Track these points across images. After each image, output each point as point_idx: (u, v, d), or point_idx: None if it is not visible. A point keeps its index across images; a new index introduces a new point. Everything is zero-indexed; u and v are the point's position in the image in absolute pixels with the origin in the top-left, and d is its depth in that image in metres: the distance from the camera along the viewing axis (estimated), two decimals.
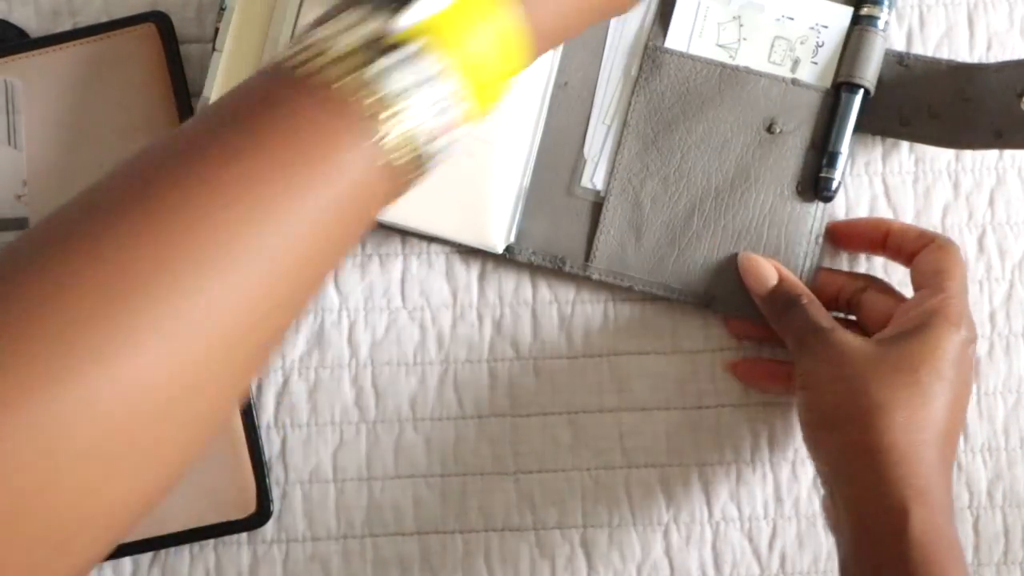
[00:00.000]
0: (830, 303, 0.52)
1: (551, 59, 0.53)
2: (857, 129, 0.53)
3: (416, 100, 0.31)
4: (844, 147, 0.52)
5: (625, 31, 0.54)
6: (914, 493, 0.43)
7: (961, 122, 0.52)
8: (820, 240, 0.53)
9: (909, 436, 0.44)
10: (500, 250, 0.53)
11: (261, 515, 0.52)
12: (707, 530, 0.54)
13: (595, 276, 0.54)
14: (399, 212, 0.49)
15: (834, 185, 0.52)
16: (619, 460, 0.54)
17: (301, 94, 0.31)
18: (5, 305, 0.27)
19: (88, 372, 0.27)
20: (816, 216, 0.53)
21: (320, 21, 0.33)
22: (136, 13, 0.54)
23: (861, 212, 0.55)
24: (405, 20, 0.31)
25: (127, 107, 0.53)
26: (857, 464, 0.45)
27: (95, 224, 0.29)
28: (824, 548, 0.54)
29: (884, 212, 0.55)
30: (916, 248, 0.50)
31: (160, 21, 0.53)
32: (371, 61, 0.31)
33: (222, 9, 0.52)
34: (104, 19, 0.54)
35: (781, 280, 0.51)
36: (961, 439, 0.54)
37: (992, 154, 0.55)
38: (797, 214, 0.53)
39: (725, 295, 0.53)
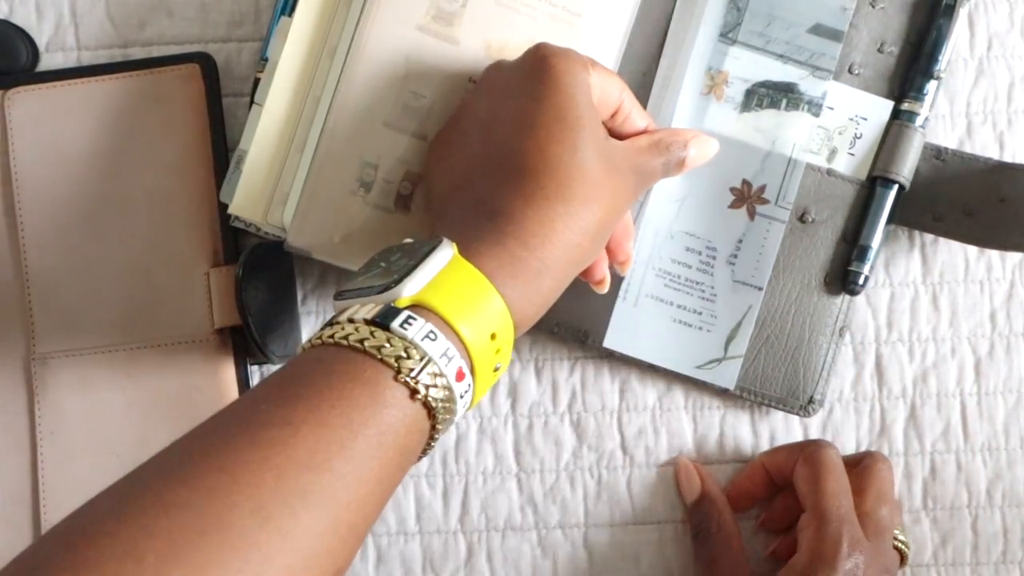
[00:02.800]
0: (772, 484, 0.53)
1: None
2: (888, 221, 0.52)
3: (428, 348, 0.36)
4: (875, 241, 0.52)
5: (663, 108, 0.53)
6: None
7: (996, 222, 0.51)
8: (843, 333, 0.53)
9: None
10: (732, 389, 0.53)
11: None
12: None
13: (616, 352, 0.53)
14: (634, 346, 0.52)
15: (862, 279, 0.52)
16: (621, 459, 0.55)
17: (340, 358, 0.36)
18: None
19: None
20: (841, 309, 0.53)
21: (344, 291, 0.40)
22: (183, 52, 0.54)
23: (882, 309, 0.55)
24: (405, 290, 0.37)
25: (164, 143, 0.53)
26: None
27: (175, 491, 0.32)
28: None
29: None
30: (791, 466, 0.51)
31: (204, 62, 0.53)
32: (385, 324, 0.36)
33: (263, 59, 0.52)
34: (107, 24, 0.54)
35: (701, 498, 0.52)
36: (961, 439, 0.54)
37: (995, 148, 0.55)
38: (823, 306, 0.53)
39: (744, 381, 0.53)
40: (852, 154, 0.52)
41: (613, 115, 0.46)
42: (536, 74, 0.42)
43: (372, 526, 0.37)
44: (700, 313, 0.52)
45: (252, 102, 0.51)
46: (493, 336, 0.39)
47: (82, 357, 0.52)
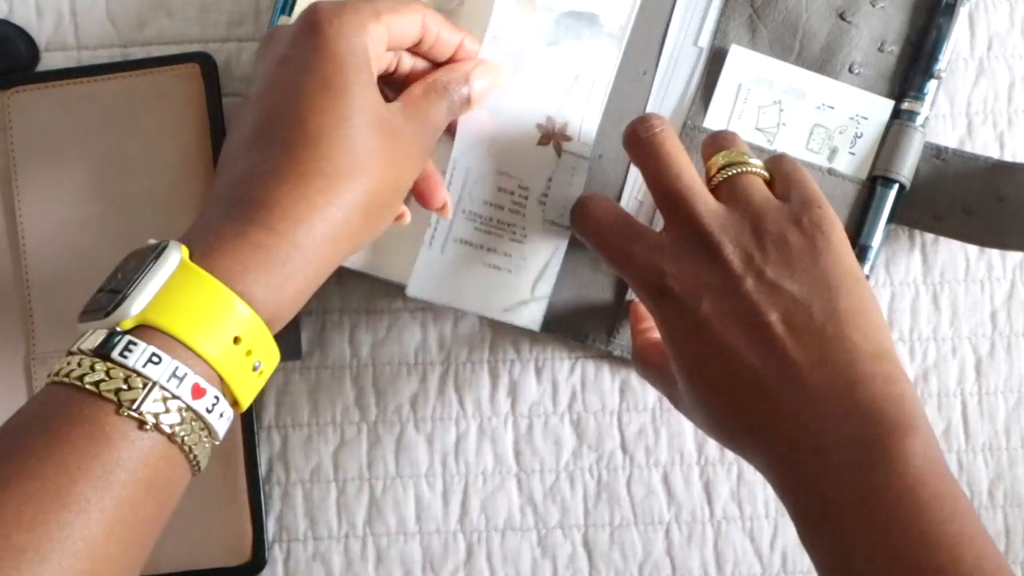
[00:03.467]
0: None
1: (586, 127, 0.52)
2: (889, 220, 0.52)
3: (151, 373, 0.35)
4: (876, 241, 0.52)
5: (664, 108, 0.53)
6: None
7: (996, 222, 0.51)
8: None
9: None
10: (538, 330, 0.52)
11: (255, 565, 0.52)
12: (708, 529, 0.54)
13: (616, 352, 0.53)
14: (439, 292, 0.51)
15: None
16: (621, 459, 0.54)
17: (61, 398, 0.35)
18: None
19: None
20: None
21: (82, 311, 0.38)
22: (183, 52, 0.54)
23: (883, 308, 0.54)
24: (133, 308, 0.35)
25: (164, 143, 0.53)
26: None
27: None
28: None
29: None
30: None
31: (204, 62, 0.53)
32: (104, 351, 0.35)
33: None
34: (107, 23, 0.54)
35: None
36: (962, 439, 0.54)
37: (995, 148, 0.55)
38: None
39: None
40: (853, 153, 0.52)
41: (417, 45, 0.45)
42: (305, 40, 0.40)
43: (145, 559, 0.36)
44: (510, 256, 0.51)
45: None
46: (237, 340, 0.37)
47: None
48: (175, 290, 0.36)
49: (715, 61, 0.53)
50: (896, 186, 0.52)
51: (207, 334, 0.36)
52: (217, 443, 0.37)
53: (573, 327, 0.53)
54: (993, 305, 0.55)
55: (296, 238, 0.38)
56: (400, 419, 0.54)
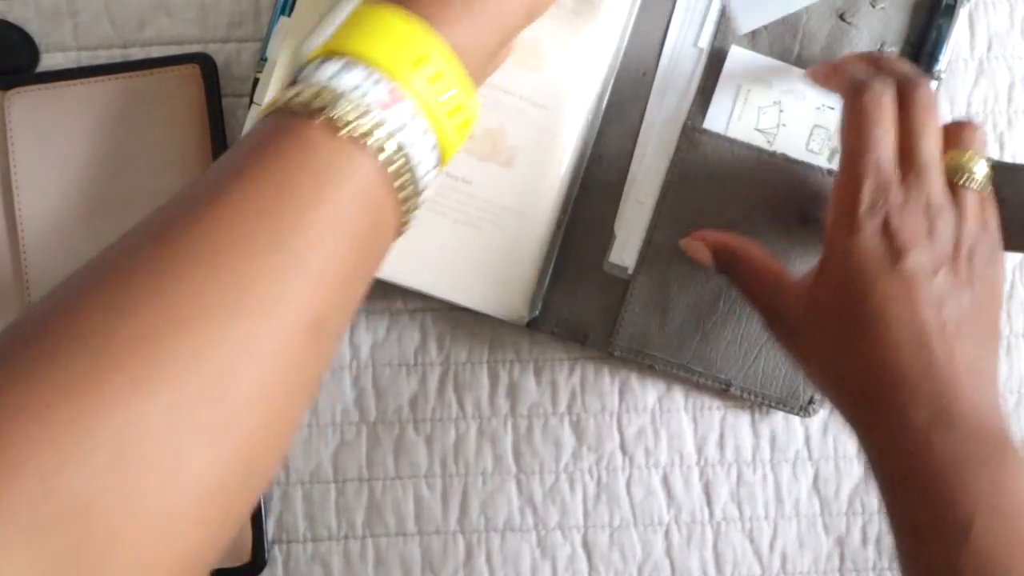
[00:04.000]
0: None
1: (584, 133, 0.52)
2: None
3: (362, 98, 0.33)
4: None
5: (664, 108, 0.53)
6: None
7: None
8: None
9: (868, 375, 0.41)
10: (525, 323, 0.52)
11: (255, 566, 0.52)
12: (708, 530, 0.54)
13: (616, 353, 0.53)
14: (427, 280, 0.50)
15: None
16: (620, 460, 0.54)
17: (275, 119, 0.34)
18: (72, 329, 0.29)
19: (170, 382, 0.28)
20: None
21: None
22: (183, 53, 0.54)
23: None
24: (317, 39, 0.35)
25: (164, 144, 0.53)
26: (868, 417, 0.42)
27: (152, 255, 0.31)
28: (824, 548, 0.54)
29: None
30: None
31: (204, 62, 0.53)
32: (300, 75, 0.34)
33: (263, 60, 0.52)
34: (107, 24, 0.54)
35: (714, 255, 0.49)
36: None
37: (995, 148, 0.55)
38: None
39: (745, 382, 0.53)
40: None
41: None
42: None
43: (349, 318, 0.35)
44: (507, 250, 0.52)
45: (252, 102, 0.51)
46: (417, 61, 0.35)
47: None
48: (354, 21, 0.36)
49: (715, 62, 0.53)
50: None
51: (397, 57, 0.35)
52: (419, 204, 0.36)
53: (573, 328, 0.53)
54: None
55: None
56: (400, 420, 0.54)
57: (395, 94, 0.34)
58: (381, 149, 0.34)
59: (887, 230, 0.41)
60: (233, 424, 0.30)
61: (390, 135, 0.34)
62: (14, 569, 0.25)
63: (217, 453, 0.29)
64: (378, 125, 0.34)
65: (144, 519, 0.28)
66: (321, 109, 0.33)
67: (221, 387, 0.29)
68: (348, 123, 0.33)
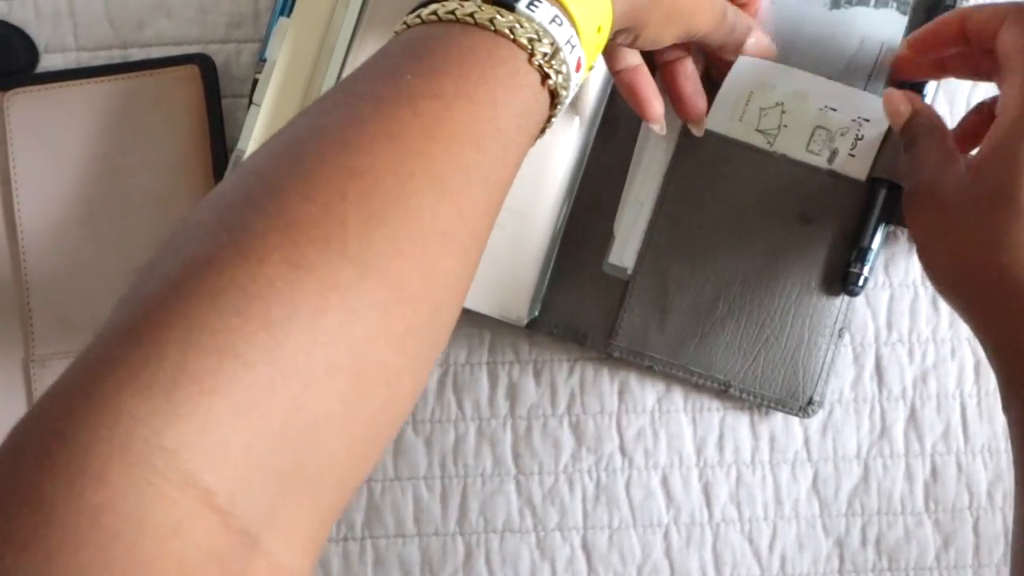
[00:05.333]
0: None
1: (584, 134, 0.52)
2: (888, 222, 0.52)
3: (555, 33, 0.35)
4: (875, 243, 0.52)
5: (665, 108, 0.52)
6: None
7: None
8: (842, 334, 0.53)
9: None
10: (525, 323, 0.52)
11: None
12: (707, 531, 0.54)
13: (616, 354, 0.53)
14: None
15: (861, 280, 0.52)
16: (620, 462, 0.54)
17: (468, 34, 0.34)
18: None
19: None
20: (840, 310, 0.53)
21: None
22: (182, 54, 0.54)
23: (881, 309, 0.55)
24: None
25: (163, 145, 0.53)
26: (996, 315, 0.41)
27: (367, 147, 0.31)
28: (824, 549, 0.54)
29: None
30: (993, 30, 0.43)
31: (203, 63, 0.53)
32: (511, 4, 0.35)
33: (262, 60, 0.52)
34: (107, 24, 0.54)
35: (914, 115, 0.47)
36: (961, 440, 0.54)
37: None
38: (822, 306, 0.53)
39: (744, 383, 0.53)
40: (853, 155, 0.52)
41: None
42: None
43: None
44: (506, 252, 0.53)
45: (251, 103, 0.51)
46: (599, 29, 0.37)
47: None
48: None
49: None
50: (896, 188, 0.52)
51: (585, 12, 0.36)
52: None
53: (572, 329, 0.53)
54: None
55: None
56: None
57: (583, 60, 0.37)
58: (556, 88, 0.36)
59: None
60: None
61: (565, 90, 0.36)
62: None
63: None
64: (564, 87, 0.36)
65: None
66: (540, 52, 0.35)
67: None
68: (554, 71, 0.35)
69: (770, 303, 0.53)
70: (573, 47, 0.36)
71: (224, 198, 0.30)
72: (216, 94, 0.53)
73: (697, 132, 0.48)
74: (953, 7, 0.52)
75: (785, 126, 0.52)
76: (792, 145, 0.52)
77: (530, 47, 0.34)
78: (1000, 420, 0.54)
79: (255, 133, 0.50)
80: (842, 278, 0.52)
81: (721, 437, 0.54)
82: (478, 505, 0.54)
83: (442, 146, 0.32)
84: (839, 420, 0.54)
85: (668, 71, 0.47)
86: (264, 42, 0.52)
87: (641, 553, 0.54)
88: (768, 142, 0.52)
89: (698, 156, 0.52)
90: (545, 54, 0.35)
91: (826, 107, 0.52)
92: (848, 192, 0.52)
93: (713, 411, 0.54)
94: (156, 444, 0.25)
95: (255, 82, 0.52)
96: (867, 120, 0.52)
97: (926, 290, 0.54)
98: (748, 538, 0.54)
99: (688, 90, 0.48)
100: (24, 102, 0.53)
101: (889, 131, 0.52)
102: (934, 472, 0.54)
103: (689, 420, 0.54)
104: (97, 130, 0.53)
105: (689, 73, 0.48)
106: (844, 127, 0.52)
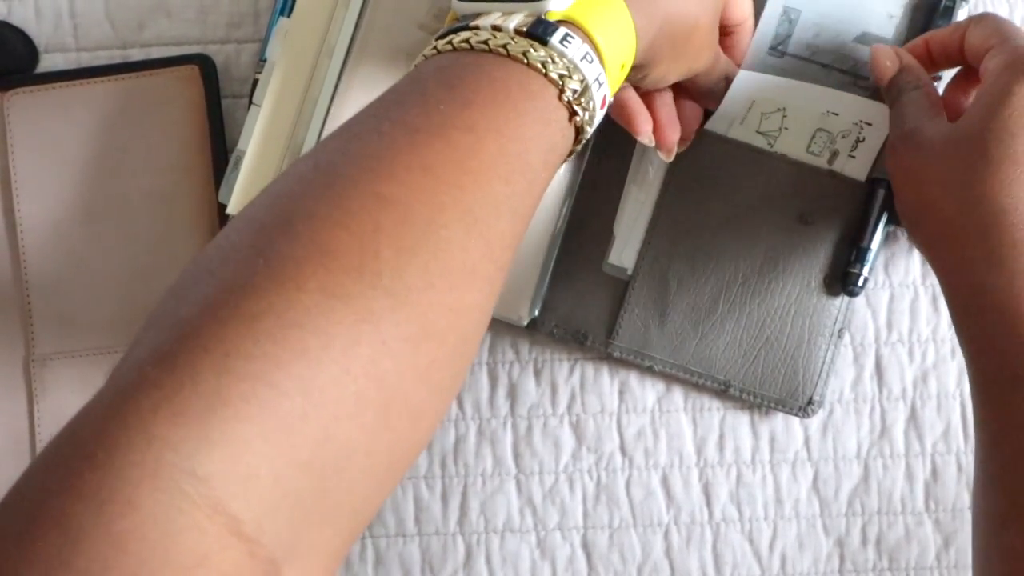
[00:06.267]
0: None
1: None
2: (888, 222, 0.52)
3: (585, 71, 0.35)
4: (874, 243, 0.52)
5: None
6: None
7: None
8: (841, 334, 0.53)
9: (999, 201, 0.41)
10: (525, 323, 0.52)
11: None
12: (707, 531, 0.54)
13: (616, 354, 0.53)
14: None
15: (861, 280, 0.52)
16: (620, 461, 0.54)
17: (499, 66, 0.34)
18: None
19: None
20: (840, 310, 0.53)
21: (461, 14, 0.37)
22: (182, 54, 0.54)
23: (881, 309, 0.55)
24: (558, 4, 0.35)
25: (163, 145, 0.53)
26: (952, 250, 0.42)
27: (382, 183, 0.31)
28: (824, 549, 0.54)
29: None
30: (956, 40, 0.47)
31: (203, 63, 0.53)
32: (544, 38, 0.34)
33: (262, 60, 0.52)
34: (107, 25, 0.54)
35: (900, 70, 0.48)
36: (961, 440, 0.54)
37: None
38: (822, 307, 0.53)
39: (744, 383, 0.53)
40: (853, 156, 0.52)
41: None
42: None
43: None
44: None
45: (251, 103, 0.51)
46: (623, 67, 0.37)
47: (81, 359, 0.52)
48: (605, 13, 0.36)
49: None
50: None
51: (613, 50, 0.36)
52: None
53: (572, 328, 0.53)
54: None
55: None
56: None
57: (608, 97, 0.37)
58: (582, 125, 0.36)
59: None
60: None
61: (589, 126, 0.36)
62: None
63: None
64: (590, 123, 0.36)
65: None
66: (570, 89, 0.35)
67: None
68: (582, 108, 0.35)
69: (770, 303, 0.53)
70: (600, 85, 0.36)
71: (256, 221, 0.30)
72: (216, 94, 0.53)
73: (666, 159, 0.48)
74: (952, 7, 0.52)
75: (786, 128, 0.52)
76: (793, 146, 0.52)
77: (561, 83, 0.34)
78: None
79: (255, 134, 0.50)
80: (842, 278, 0.52)
81: (721, 437, 0.54)
82: (478, 505, 0.54)
83: (472, 179, 0.31)
84: (839, 420, 0.54)
85: (647, 97, 0.47)
86: (264, 42, 0.52)
87: (641, 553, 0.54)
88: (769, 143, 0.52)
89: (698, 156, 0.52)
90: (575, 91, 0.35)
91: (828, 112, 0.52)
92: (848, 192, 0.52)
93: (713, 411, 0.54)
94: (188, 470, 0.25)
95: (255, 82, 0.52)
96: (869, 124, 0.52)
97: (926, 290, 0.54)
98: (748, 538, 0.54)
99: (663, 119, 0.47)
100: (24, 102, 0.53)
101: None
102: (934, 472, 0.54)
103: (689, 420, 0.54)
104: (97, 130, 0.53)
105: (666, 101, 0.48)
106: (845, 130, 0.52)
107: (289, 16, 0.51)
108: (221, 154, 0.53)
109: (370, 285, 0.28)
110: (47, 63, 0.54)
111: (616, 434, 0.55)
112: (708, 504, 0.54)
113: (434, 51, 0.35)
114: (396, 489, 0.54)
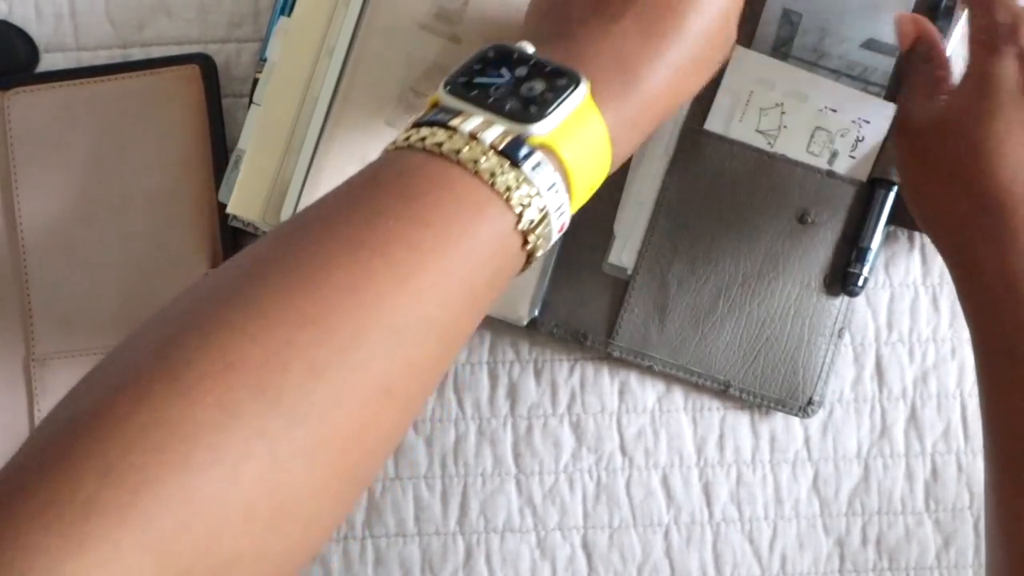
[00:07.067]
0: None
1: None
2: (888, 222, 0.52)
3: (549, 201, 0.34)
4: (875, 243, 0.52)
5: None
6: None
7: None
8: (841, 334, 0.53)
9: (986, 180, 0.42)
10: (525, 323, 0.52)
11: None
12: (707, 531, 0.54)
13: (616, 354, 0.53)
14: None
15: (861, 280, 0.52)
16: (620, 461, 0.54)
17: (466, 183, 0.34)
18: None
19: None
20: (840, 310, 0.53)
21: (458, 81, 0.36)
22: (183, 53, 0.54)
23: (882, 309, 0.55)
24: (541, 129, 0.34)
25: (163, 144, 0.53)
26: (952, 226, 0.44)
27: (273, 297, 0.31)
28: (824, 549, 0.54)
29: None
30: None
31: (204, 63, 0.53)
32: (516, 161, 0.34)
33: (262, 60, 0.52)
34: (107, 24, 0.54)
35: (917, 40, 0.49)
36: (962, 440, 0.54)
37: None
38: (822, 307, 0.53)
39: (744, 383, 0.53)
40: (853, 156, 0.52)
41: None
42: None
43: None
44: None
45: (251, 102, 0.51)
46: (591, 188, 0.37)
47: (81, 358, 0.52)
48: (576, 127, 0.35)
49: None
50: (896, 188, 0.52)
51: (585, 179, 0.36)
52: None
53: (572, 328, 0.53)
54: None
55: (644, 86, 0.37)
56: None
57: (563, 217, 0.36)
58: (534, 250, 0.35)
59: (1022, 59, 0.42)
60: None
61: (544, 244, 0.36)
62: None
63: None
64: (542, 247, 0.36)
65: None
66: (527, 220, 0.34)
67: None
68: (537, 236, 0.35)
69: (770, 303, 0.53)
70: (562, 213, 0.35)
71: (173, 324, 0.30)
72: (216, 94, 0.53)
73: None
74: (952, 8, 0.52)
75: (785, 127, 0.52)
76: (792, 146, 0.52)
77: (520, 211, 0.34)
78: None
79: (255, 133, 0.50)
80: (842, 278, 0.52)
81: (721, 437, 0.54)
82: (478, 504, 0.54)
83: (408, 300, 0.31)
84: (839, 420, 0.54)
85: None
86: (264, 42, 0.52)
87: (641, 552, 0.54)
88: (768, 143, 0.53)
89: (698, 156, 0.52)
90: (532, 221, 0.34)
91: (826, 108, 0.52)
92: (848, 192, 0.52)
93: (713, 411, 0.54)
94: (57, 574, 0.25)
95: (255, 82, 0.52)
96: (867, 122, 0.52)
97: (926, 290, 0.55)
98: (748, 538, 0.54)
99: None
100: (24, 102, 0.53)
101: (889, 132, 0.52)
102: (934, 472, 0.54)
103: (689, 420, 0.54)
104: (97, 130, 0.53)
105: None
106: (844, 128, 0.52)
107: (289, 15, 0.51)
108: (221, 153, 0.53)
109: (270, 403, 0.28)
110: (47, 62, 0.54)
111: (616, 434, 0.55)
112: (708, 504, 0.54)
113: (406, 144, 0.35)
114: (396, 489, 0.54)
